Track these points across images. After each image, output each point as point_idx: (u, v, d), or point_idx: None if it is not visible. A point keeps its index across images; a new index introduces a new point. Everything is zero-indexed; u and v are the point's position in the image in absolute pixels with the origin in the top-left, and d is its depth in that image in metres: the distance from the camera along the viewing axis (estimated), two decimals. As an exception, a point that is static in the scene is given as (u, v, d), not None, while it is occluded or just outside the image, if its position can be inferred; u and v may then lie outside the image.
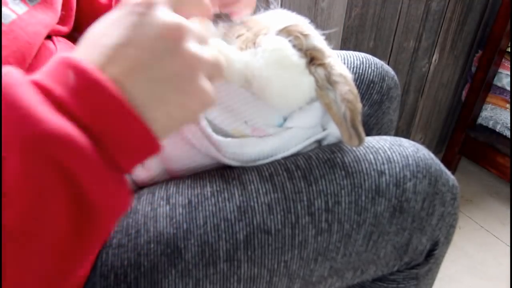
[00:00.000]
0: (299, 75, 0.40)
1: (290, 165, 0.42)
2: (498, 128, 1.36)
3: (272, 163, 0.43)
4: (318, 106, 0.43)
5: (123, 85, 0.26)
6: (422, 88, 1.36)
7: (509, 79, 1.30)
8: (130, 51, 0.27)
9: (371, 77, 0.60)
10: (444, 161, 1.49)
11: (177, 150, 0.44)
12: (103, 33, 0.28)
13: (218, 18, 0.44)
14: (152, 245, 0.38)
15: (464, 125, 1.42)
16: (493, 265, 1.20)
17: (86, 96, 0.24)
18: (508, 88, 1.31)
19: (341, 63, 0.41)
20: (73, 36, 0.52)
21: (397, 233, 0.43)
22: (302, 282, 0.42)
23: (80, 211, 0.24)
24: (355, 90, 0.39)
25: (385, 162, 0.43)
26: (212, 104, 0.31)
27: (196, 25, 0.31)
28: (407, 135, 1.45)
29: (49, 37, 0.45)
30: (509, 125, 1.33)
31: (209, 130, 0.41)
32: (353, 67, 0.60)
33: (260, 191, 0.40)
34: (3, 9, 0.37)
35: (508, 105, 1.33)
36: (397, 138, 0.47)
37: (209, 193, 0.41)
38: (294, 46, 0.40)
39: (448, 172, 0.47)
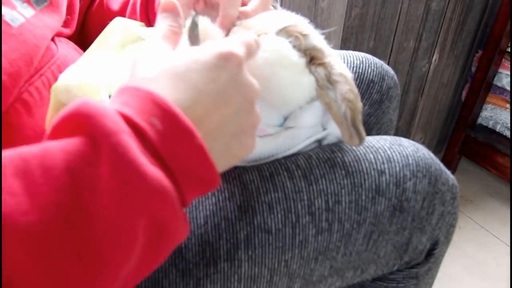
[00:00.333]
0: (299, 74, 0.40)
1: (291, 165, 0.42)
2: (498, 128, 1.36)
3: (272, 162, 0.43)
4: (318, 105, 0.43)
5: (200, 129, 0.27)
6: (422, 88, 1.36)
7: (509, 79, 1.30)
8: (208, 100, 0.28)
9: (370, 77, 0.60)
10: (444, 161, 1.49)
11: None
12: (188, 70, 0.29)
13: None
14: (152, 245, 0.38)
15: (464, 125, 1.42)
16: (493, 265, 1.20)
17: (175, 143, 0.26)
18: (508, 88, 1.32)
19: (342, 62, 0.41)
20: (75, 38, 0.53)
21: (397, 233, 0.43)
22: (302, 282, 0.42)
23: (157, 241, 0.26)
24: (356, 89, 0.39)
25: (385, 161, 0.43)
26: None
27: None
28: (407, 135, 1.45)
29: None
30: (509, 125, 1.33)
31: None
32: (353, 67, 0.60)
33: (261, 191, 0.41)
34: (13, 12, 0.37)
35: (508, 105, 1.33)
36: (397, 138, 0.47)
37: (209, 193, 0.41)
38: (294, 46, 0.40)
39: (448, 172, 0.47)
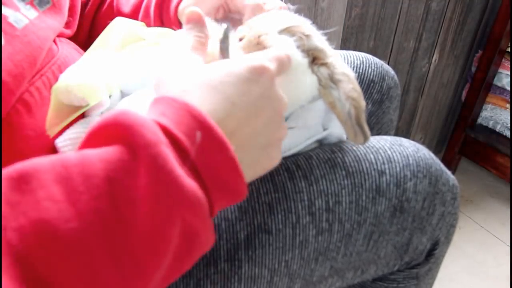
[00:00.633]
0: (302, 74, 0.40)
1: (291, 165, 0.42)
2: (498, 128, 1.36)
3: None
4: (319, 105, 0.43)
5: (232, 142, 0.27)
6: (422, 88, 1.36)
7: (509, 79, 1.30)
8: (241, 113, 0.29)
9: (371, 77, 0.60)
10: (444, 161, 1.49)
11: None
12: (222, 82, 0.29)
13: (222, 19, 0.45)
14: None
15: (464, 125, 1.42)
16: (493, 265, 1.20)
17: (210, 155, 0.26)
18: (508, 88, 1.32)
19: (343, 62, 0.41)
20: (83, 40, 0.53)
21: (398, 233, 0.43)
22: (302, 282, 0.42)
23: (187, 250, 0.27)
24: (359, 88, 0.39)
25: (385, 162, 0.43)
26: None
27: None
28: (407, 135, 1.45)
29: None
30: (509, 125, 1.33)
31: None
32: (353, 67, 0.60)
33: (261, 191, 0.41)
34: (16, 14, 0.37)
35: (508, 105, 1.33)
36: (398, 138, 0.47)
37: None
38: (298, 46, 0.40)
39: (448, 172, 0.47)
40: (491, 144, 1.35)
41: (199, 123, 0.26)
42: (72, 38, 0.57)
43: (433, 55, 1.30)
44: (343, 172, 0.42)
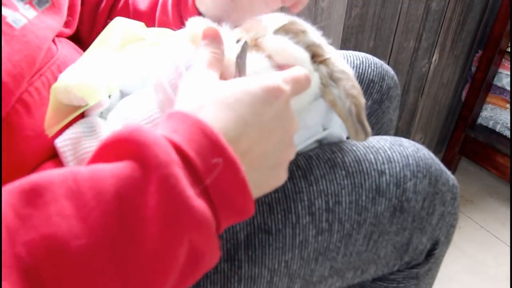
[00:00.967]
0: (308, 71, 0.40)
1: (291, 165, 0.42)
2: (498, 128, 1.36)
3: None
4: (319, 105, 0.43)
5: (243, 161, 0.27)
6: (422, 88, 1.36)
7: (509, 79, 1.30)
8: (253, 133, 0.29)
9: (371, 77, 0.60)
10: (444, 161, 1.49)
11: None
12: (236, 100, 0.29)
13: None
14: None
15: (464, 125, 1.42)
16: (493, 265, 1.20)
17: (220, 175, 0.26)
18: (508, 88, 1.31)
19: (342, 59, 0.41)
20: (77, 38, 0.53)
21: (398, 233, 0.43)
22: (302, 282, 0.42)
23: (192, 267, 0.27)
24: (358, 86, 0.39)
25: (385, 162, 0.43)
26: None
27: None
28: (407, 135, 1.45)
29: None
30: (509, 125, 1.33)
31: None
32: (353, 67, 0.60)
33: (261, 191, 0.40)
34: (15, 14, 0.37)
35: (508, 105, 1.33)
36: (397, 138, 0.47)
37: None
38: (297, 43, 0.40)
39: (448, 172, 0.47)
40: (491, 144, 1.35)
41: (211, 141, 0.26)
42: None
43: (433, 55, 1.30)
44: (343, 172, 0.42)
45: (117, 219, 0.23)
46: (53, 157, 0.41)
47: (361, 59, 0.60)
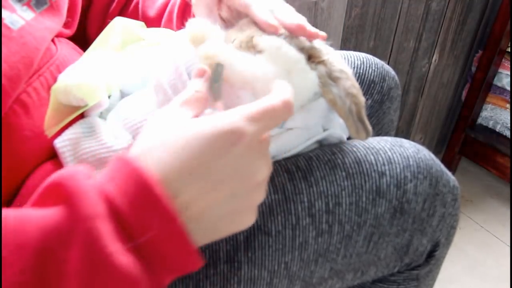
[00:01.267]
0: (302, 71, 0.40)
1: (291, 166, 0.42)
2: (498, 128, 1.36)
3: (272, 164, 0.43)
4: (319, 105, 0.43)
5: (186, 212, 0.26)
6: (422, 88, 1.36)
7: (509, 79, 1.30)
8: (200, 183, 0.27)
9: (371, 77, 0.60)
10: (444, 161, 1.49)
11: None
12: (186, 145, 0.27)
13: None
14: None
15: (464, 125, 1.42)
16: (494, 266, 1.20)
17: (154, 229, 0.25)
18: (508, 88, 1.31)
19: (340, 59, 0.41)
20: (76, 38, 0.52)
21: (398, 234, 0.43)
22: (302, 284, 0.42)
23: None
24: (357, 84, 0.39)
25: (385, 163, 0.43)
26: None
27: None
28: (407, 135, 1.45)
29: None
30: (509, 125, 1.33)
31: None
32: (354, 67, 0.60)
33: (261, 192, 0.40)
34: (12, 15, 0.36)
35: (508, 105, 1.33)
36: (398, 139, 0.47)
37: None
38: (291, 44, 0.40)
39: (449, 173, 0.47)
40: (491, 144, 1.35)
41: (146, 193, 0.25)
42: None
43: (433, 55, 1.30)
44: (343, 174, 0.42)
45: (34, 276, 0.23)
46: (52, 158, 0.41)
47: (361, 60, 0.60)
